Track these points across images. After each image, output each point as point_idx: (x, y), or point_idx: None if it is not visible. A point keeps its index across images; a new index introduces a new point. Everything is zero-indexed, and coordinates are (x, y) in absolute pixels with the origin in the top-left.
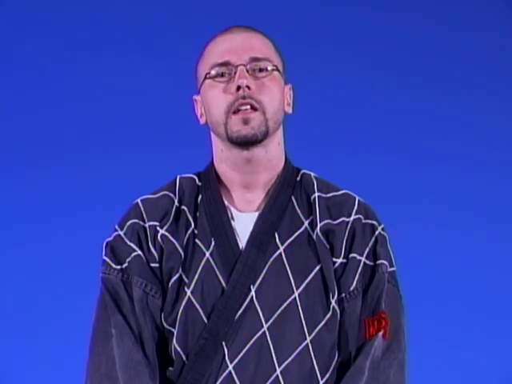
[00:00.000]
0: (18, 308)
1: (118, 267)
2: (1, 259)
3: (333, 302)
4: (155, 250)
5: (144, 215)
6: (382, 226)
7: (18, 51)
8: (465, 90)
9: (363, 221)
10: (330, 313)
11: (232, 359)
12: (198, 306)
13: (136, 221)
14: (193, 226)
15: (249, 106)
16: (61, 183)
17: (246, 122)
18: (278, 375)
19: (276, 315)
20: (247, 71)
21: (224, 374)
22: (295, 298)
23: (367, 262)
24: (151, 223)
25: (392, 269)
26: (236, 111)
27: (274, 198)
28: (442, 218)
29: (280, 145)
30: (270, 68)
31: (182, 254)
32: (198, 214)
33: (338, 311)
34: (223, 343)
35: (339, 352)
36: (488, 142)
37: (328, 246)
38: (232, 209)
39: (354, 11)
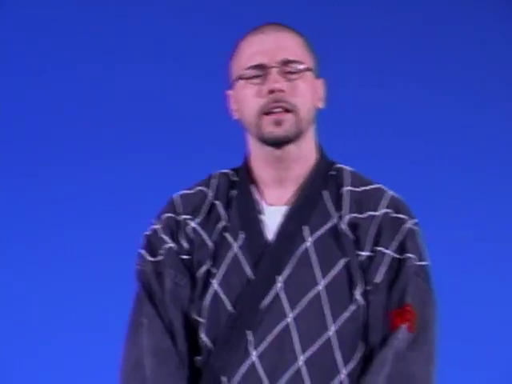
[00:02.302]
0: (18, 308)
1: (153, 259)
2: (1, 259)
3: (357, 294)
4: (186, 242)
5: (178, 209)
6: (414, 220)
7: (19, 51)
8: (464, 90)
9: (392, 215)
10: (355, 305)
11: (255, 347)
12: (223, 297)
13: (170, 215)
14: (224, 219)
15: (281, 109)
16: (62, 184)
17: (278, 123)
18: (300, 365)
19: (301, 306)
20: (280, 73)
21: (248, 363)
22: (320, 289)
23: (394, 255)
24: (184, 216)
25: (423, 263)
26: (268, 113)
27: (304, 191)
28: (441, 219)
29: (312, 139)
30: (302, 68)
31: (212, 246)
32: (229, 208)
33: (363, 303)
34: (248, 332)
35: (364, 344)
36: (488, 142)
37: (354, 240)
38: (262, 203)
39: (353, 11)
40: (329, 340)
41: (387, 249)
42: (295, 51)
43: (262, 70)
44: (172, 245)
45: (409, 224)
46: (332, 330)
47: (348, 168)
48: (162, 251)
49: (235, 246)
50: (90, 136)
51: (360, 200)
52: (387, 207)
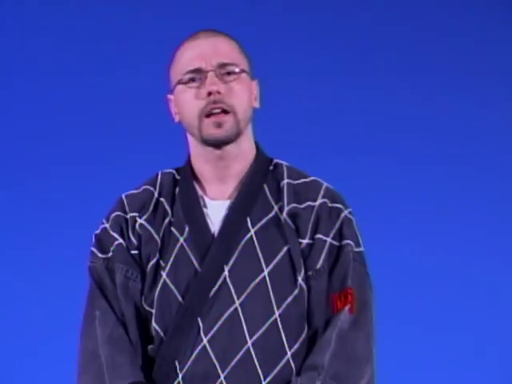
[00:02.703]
0: (18, 308)
1: (103, 256)
2: (1, 259)
3: (300, 279)
4: (134, 238)
5: (126, 208)
6: (349, 209)
7: (19, 51)
8: (464, 89)
9: (329, 204)
10: (298, 289)
11: (206, 333)
12: (172, 287)
13: (119, 213)
14: (170, 215)
15: (220, 110)
16: (62, 184)
17: (218, 125)
18: (249, 347)
19: (247, 292)
20: (217, 76)
21: (199, 348)
22: (265, 276)
23: (333, 242)
24: (132, 214)
25: (359, 249)
26: (208, 115)
27: (245, 186)
28: (433, 219)
29: (250, 137)
30: (237, 70)
31: (159, 240)
32: (174, 204)
33: (306, 288)
34: (198, 319)
35: (308, 326)
36: (487, 142)
37: (294, 228)
38: (205, 197)
39: (351, 11)
40: (275, 323)
41: (327, 236)
42: (230, 55)
43: (199, 73)
44: (121, 241)
45: (345, 213)
46: (277, 314)
47: (284, 163)
48: (112, 248)
49: (181, 239)
50: (90, 136)
51: (298, 192)
52: (324, 197)
